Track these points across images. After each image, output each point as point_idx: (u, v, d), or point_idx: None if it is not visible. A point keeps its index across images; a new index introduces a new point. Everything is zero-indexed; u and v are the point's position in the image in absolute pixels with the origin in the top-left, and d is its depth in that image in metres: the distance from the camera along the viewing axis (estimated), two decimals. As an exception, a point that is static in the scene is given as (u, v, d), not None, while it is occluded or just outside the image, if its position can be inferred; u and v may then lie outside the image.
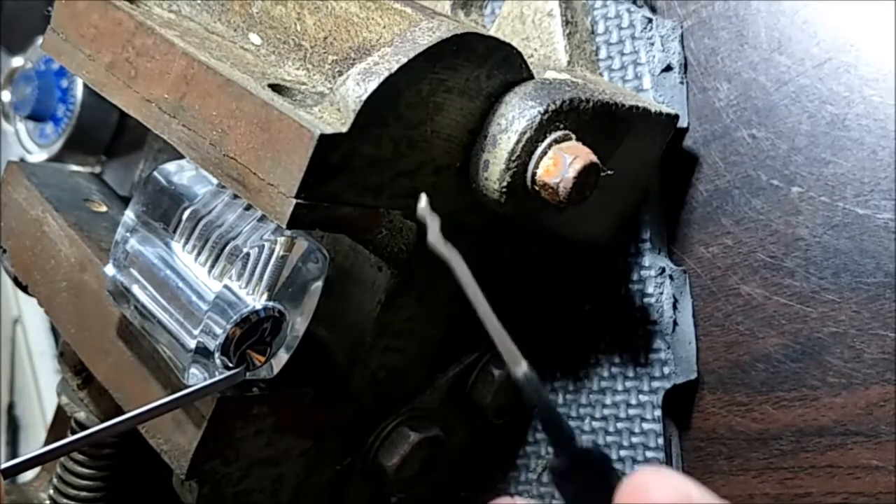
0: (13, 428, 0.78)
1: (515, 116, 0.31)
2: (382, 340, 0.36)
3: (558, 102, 0.32)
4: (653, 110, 0.37)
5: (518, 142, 0.31)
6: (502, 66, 0.32)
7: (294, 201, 0.28)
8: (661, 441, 0.40)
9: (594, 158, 0.31)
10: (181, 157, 0.32)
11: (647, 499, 0.21)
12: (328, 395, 0.36)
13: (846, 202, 0.37)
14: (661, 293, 0.40)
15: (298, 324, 0.34)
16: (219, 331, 0.32)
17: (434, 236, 0.25)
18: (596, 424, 0.42)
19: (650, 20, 0.40)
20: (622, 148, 0.36)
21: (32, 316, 0.76)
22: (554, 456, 0.23)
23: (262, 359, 0.33)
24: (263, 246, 0.32)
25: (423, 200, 0.28)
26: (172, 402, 0.31)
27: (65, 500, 0.44)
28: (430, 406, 0.40)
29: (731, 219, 0.40)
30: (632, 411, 0.41)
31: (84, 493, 0.44)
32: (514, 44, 0.32)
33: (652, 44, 0.40)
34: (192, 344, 0.32)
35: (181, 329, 0.32)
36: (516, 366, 0.24)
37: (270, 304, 0.33)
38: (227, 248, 0.33)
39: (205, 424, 0.33)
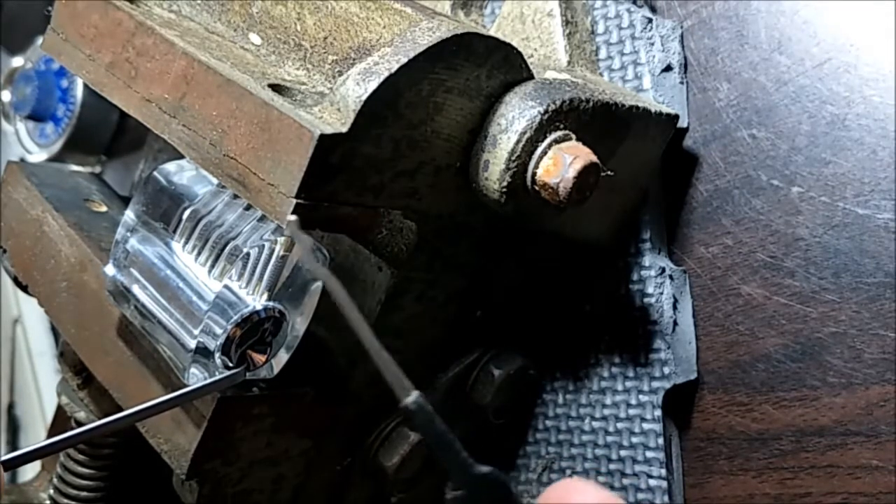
0: (13, 428, 0.78)
1: (515, 116, 0.31)
2: (382, 340, 0.36)
3: (558, 102, 0.32)
4: (653, 110, 0.37)
5: (518, 142, 0.31)
6: (502, 66, 0.32)
7: (294, 201, 0.28)
8: (661, 441, 0.40)
9: (594, 158, 0.31)
10: (181, 157, 0.32)
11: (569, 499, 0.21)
12: (328, 395, 0.36)
13: (846, 202, 0.37)
14: (661, 293, 0.40)
15: (298, 324, 0.34)
16: (219, 331, 0.32)
17: (306, 256, 0.24)
18: (596, 424, 0.42)
19: (650, 20, 0.40)
20: (622, 148, 0.36)
21: (32, 316, 0.76)
22: (452, 487, 0.21)
23: (263, 359, 0.33)
24: (263, 246, 0.32)
25: (293, 219, 0.27)
26: (172, 399, 0.31)
27: (65, 500, 0.44)
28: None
29: (731, 219, 0.40)
30: (632, 411, 0.41)
31: (84, 493, 0.44)
32: (514, 44, 0.32)
33: (652, 44, 0.40)
34: (192, 344, 0.32)
35: (181, 329, 0.32)
36: (406, 394, 0.23)
37: (270, 304, 0.33)
38: (227, 248, 0.33)
39: (205, 424, 0.33)
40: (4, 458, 0.28)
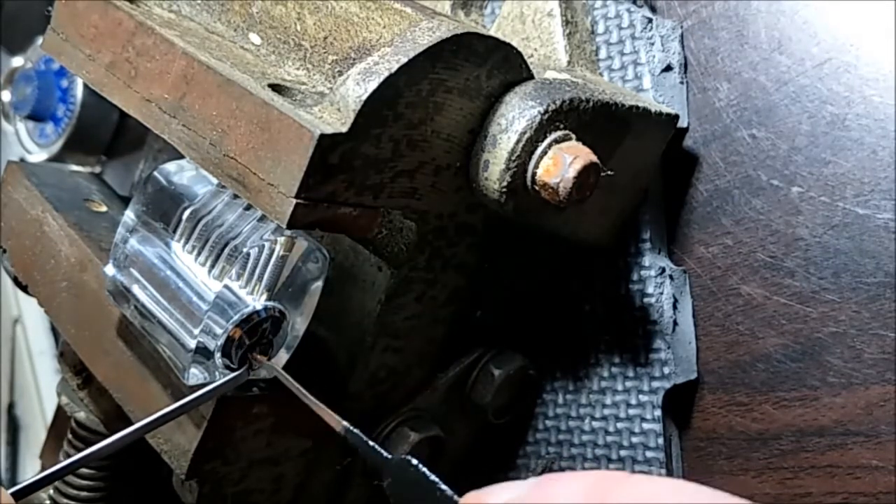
0: (13, 428, 0.78)
1: (515, 116, 0.31)
2: (382, 340, 0.37)
3: (558, 102, 0.32)
4: (653, 110, 0.37)
5: (518, 142, 0.31)
6: (502, 66, 0.32)
7: (294, 201, 0.28)
8: (661, 441, 0.40)
9: (594, 158, 0.31)
10: (181, 157, 0.32)
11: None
12: (328, 395, 0.36)
13: (846, 202, 0.37)
14: (661, 293, 0.40)
15: (298, 324, 0.34)
16: (219, 331, 0.32)
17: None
18: (596, 424, 0.42)
19: (650, 20, 0.40)
20: (622, 148, 0.36)
21: (32, 316, 0.76)
22: (384, 480, 0.28)
23: (264, 359, 0.33)
24: (263, 246, 0.32)
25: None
26: (178, 409, 0.31)
27: (65, 500, 0.44)
28: (430, 406, 0.40)
29: (731, 219, 0.40)
30: (632, 411, 0.41)
31: (84, 493, 0.44)
32: (514, 44, 0.32)
33: (652, 44, 0.40)
34: (192, 344, 0.32)
35: (181, 329, 0.32)
36: (339, 424, 0.30)
37: (270, 303, 0.33)
38: (227, 248, 0.33)
39: (205, 424, 0.33)
40: (13, 489, 0.28)
